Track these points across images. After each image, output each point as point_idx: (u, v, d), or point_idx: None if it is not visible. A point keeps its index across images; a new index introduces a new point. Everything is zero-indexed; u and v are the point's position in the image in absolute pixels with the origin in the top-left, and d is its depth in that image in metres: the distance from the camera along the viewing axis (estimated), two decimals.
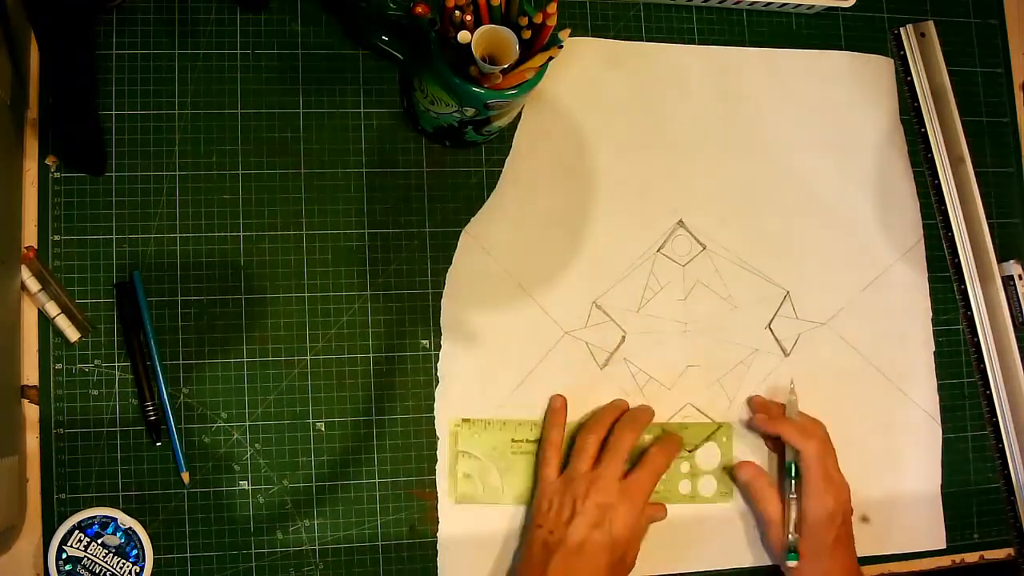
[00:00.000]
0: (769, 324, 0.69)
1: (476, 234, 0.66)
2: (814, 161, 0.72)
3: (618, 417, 0.64)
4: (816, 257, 0.71)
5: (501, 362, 0.65)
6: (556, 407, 0.64)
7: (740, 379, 0.68)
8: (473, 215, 0.66)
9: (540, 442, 0.64)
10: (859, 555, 0.65)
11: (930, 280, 0.73)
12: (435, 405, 0.64)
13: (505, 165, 0.67)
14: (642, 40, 0.70)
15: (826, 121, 0.72)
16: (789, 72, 0.72)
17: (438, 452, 0.64)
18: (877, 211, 0.72)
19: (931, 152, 0.73)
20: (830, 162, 0.72)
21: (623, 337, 0.67)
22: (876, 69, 0.74)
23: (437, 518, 0.63)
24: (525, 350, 0.66)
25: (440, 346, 0.65)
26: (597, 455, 0.62)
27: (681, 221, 0.69)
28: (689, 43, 0.71)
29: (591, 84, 0.69)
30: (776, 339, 0.69)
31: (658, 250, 0.68)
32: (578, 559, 0.58)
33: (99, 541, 0.58)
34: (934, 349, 0.72)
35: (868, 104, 0.73)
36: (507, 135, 0.67)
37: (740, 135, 0.71)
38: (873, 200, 0.72)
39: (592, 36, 0.69)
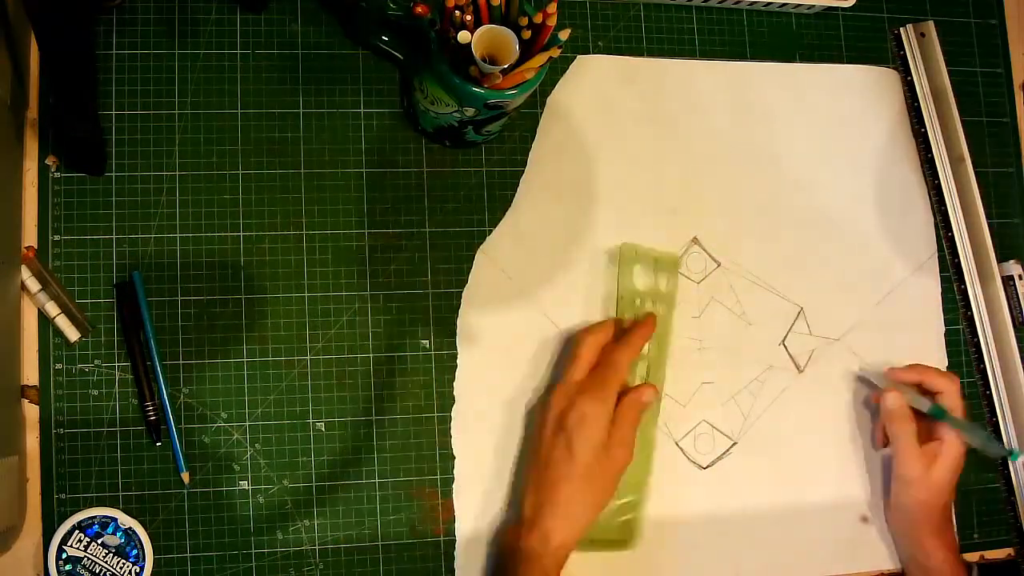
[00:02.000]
0: (783, 341, 0.69)
1: (491, 253, 0.66)
2: (826, 175, 0.72)
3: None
4: (830, 272, 0.71)
5: (516, 378, 0.65)
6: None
7: (755, 396, 0.68)
8: (473, 215, 0.66)
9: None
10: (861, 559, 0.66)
11: None
12: (451, 425, 0.64)
13: (520, 182, 0.67)
14: (642, 41, 0.70)
15: (837, 135, 0.72)
16: (799, 85, 0.72)
17: (455, 471, 0.64)
18: (890, 225, 0.72)
19: (931, 152, 0.73)
20: (842, 176, 0.72)
21: None
22: (884, 81, 0.74)
23: (438, 519, 0.63)
24: (540, 367, 0.66)
25: (440, 346, 0.65)
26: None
27: (696, 238, 0.69)
28: (690, 44, 0.71)
29: (605, 101, 0.69)
30: (790, 355, 0.69)
31: None
32: (556, 471, 0.59)
33: (99, 541, 0.58)
34: (947, 363, 0.72)
35: (878, 118, 0.73)
36: (507, 135, 0.67)
37: (753, 150, 0.71)
38: (886, 214, 0.72)
39: (593, 36, 0.69)
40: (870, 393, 0.69)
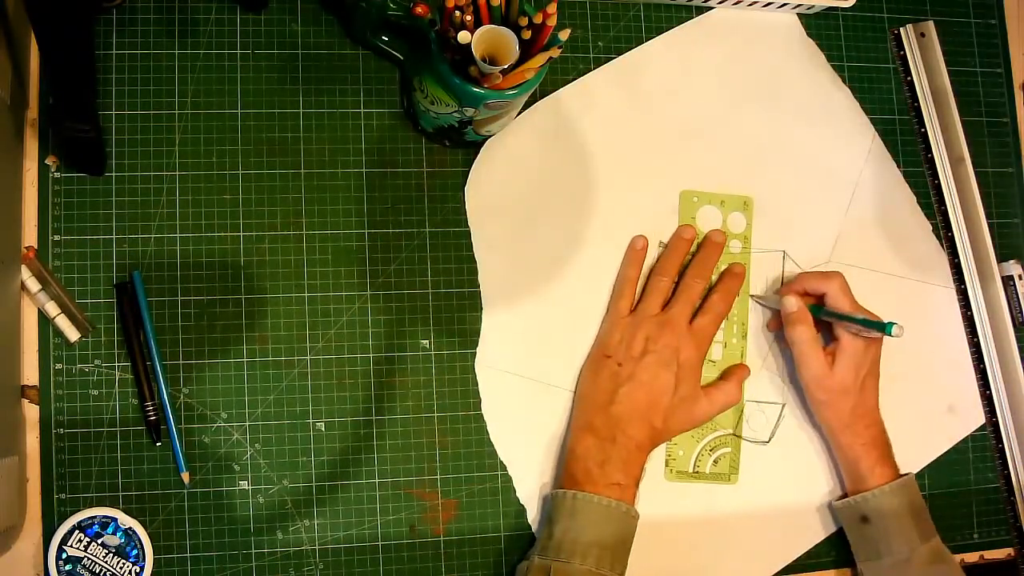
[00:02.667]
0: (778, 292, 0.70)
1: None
2: (752, 115, 0.71)
3: (687, 255, 0.67)
4: (796, 205, 0.71)
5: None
6: (638, 247, 0.67)
7: (781, 355, 0.70)
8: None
9: (617, 277, 0.67)
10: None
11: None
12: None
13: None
14: (642, 41, 0.70)
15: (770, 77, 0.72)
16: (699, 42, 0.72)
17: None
18: (824, 135, 0.72)
19: (931, 152, 0.73)
20: (767, 111, 0.72)
21: None
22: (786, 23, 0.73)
23: (438, 519, 0.63)
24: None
25: (440, 346, 0.65)
26: (668, 297, 0.65)
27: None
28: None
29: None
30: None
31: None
32: (646, 394, 0.62)
33: (99, 541, 0.58)
34: (937, 244, 0.73)
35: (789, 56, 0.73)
36: None
37: (715, 119, 0.71)
38: (813, 124, 0.72)
39: (593, 36, 0.69)
40: (768, 318, 0.70)
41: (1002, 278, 0.72)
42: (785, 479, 0.69)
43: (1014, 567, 0.71)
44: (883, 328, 0.61)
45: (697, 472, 0.67)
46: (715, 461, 0.68)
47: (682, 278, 0.66)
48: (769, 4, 0.71)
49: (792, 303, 0.65)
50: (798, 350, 0.65)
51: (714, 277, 0.68)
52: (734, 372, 0.67)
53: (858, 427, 0.65)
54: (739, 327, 0.69)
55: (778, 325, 0.68)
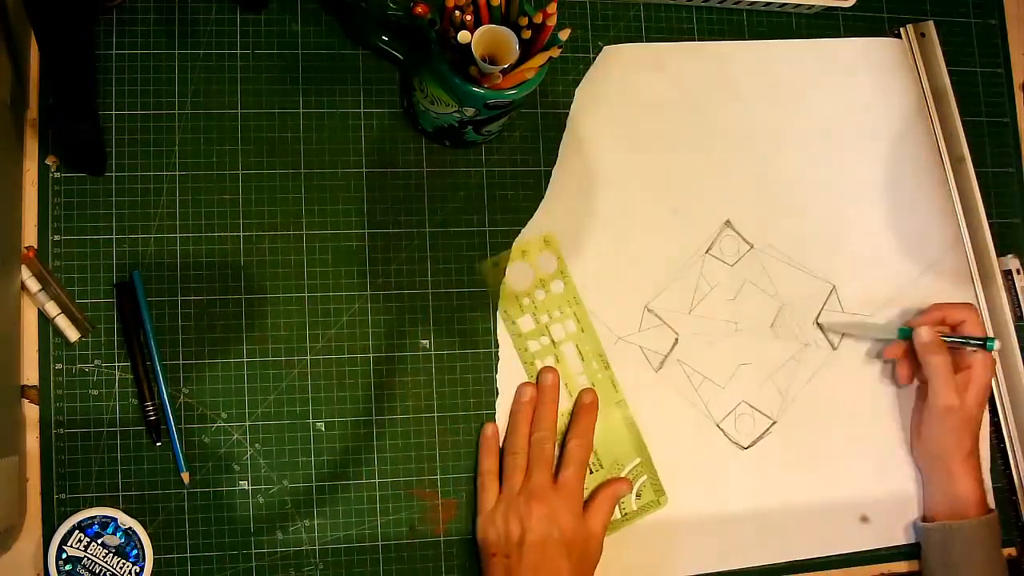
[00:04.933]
0: (816, 319, 0.70)
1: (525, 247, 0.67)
2: (852, 153, 0.72)
3: (530, 418, 0.64)
4: (861, 250, 0.71)
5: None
6: (488, 435, 0.64)
7: (791, 375, 0.69)
8: (473, 215, 0.66)
9: (477, 473, 0.64)
10: (855, 551, 0.68)
11: None
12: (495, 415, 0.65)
13: (552, 175, 0.67)
14: (643, 41, 0.70)
15: (858, 111, 0.72)
16: (815, 61, 0.72)
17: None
18: (918, 203, 0.72)
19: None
20: (867, 154, 0.72)
21: (676, 339, 0.67)
22: (890, 54, 0.74)
23: (439, 519, 0.63)
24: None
25: (440, 346, 0.65)
26: (526, 468, 0.63)
27: (728, 221, 0.69)
28: (689, 42, 0.71)
29: (634, 88, 0.69)
30: (824, 334, 0.70)
31: (707, 251, 0.69)
32: (541, 572, 0.59)
33: (99, 541, 0.58)
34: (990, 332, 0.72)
35: (892, 91, 0.73)
36: (507, 135, 0.67)
37: (779, 131, 0.71)
38: (912, 191, 0.72)
39: (594, 36, 0.70)
40: (882, 347, 0.70)
41: (1001, 272, 0.72)
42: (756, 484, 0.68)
43: (1014, 567, 0.71)
44: (983, 343, 0.65)
45: (627, 515, 0.65)
46: (638, 495, 0.66)
47: (530, 443, 0.63)
48: (769, 4, 0.71)
49: (926, 333, 0.66)
50: (936, 379, 0.65)
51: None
52: (602, 488, 0.64)
53: (974, 457, 0.66)
54: (598, 360, 0.66)
55: (910, 367, 0.69)
